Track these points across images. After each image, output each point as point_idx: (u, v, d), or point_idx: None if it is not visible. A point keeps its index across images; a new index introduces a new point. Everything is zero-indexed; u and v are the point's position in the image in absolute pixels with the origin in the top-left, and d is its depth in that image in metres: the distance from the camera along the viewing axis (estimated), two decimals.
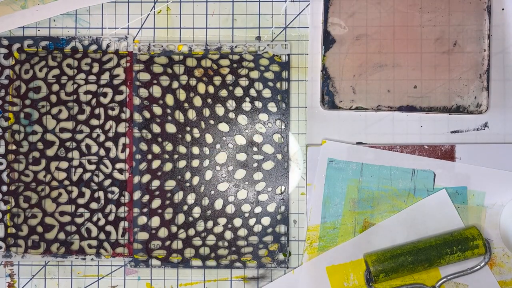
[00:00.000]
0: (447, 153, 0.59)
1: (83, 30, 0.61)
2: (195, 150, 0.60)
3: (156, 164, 0.60)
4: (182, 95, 0.60)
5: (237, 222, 0.60)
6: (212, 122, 0.60)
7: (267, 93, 0.60)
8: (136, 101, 0.60)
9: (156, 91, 0.60)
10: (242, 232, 0.60)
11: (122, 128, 0.60)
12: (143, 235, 0.60)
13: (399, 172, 0.59)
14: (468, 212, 0.59)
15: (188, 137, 0.60)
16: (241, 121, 0.60)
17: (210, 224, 0.60)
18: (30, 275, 0.61)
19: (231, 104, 0.60)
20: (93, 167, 0.60)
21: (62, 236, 0.60)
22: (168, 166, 0.60)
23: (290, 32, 0.60)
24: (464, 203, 0.59)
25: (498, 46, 0.59)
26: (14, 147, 0.60)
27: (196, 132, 0.60)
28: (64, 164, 0.60)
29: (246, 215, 0.60)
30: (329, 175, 0.59)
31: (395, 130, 0.60)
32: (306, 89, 0.60)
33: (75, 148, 0.60)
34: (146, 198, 0.60)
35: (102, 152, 0.60)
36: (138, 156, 0.60)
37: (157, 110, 0.60)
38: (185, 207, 0.60)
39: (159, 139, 0.60)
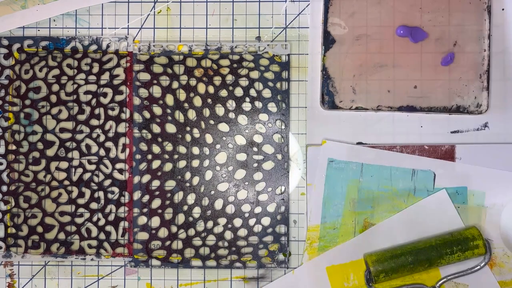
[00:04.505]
0: (447, 153, 0.59)
1: (83, 30, 0.61)
2: (195, 150, 0.60)
3: (156, 164, 0.60)
4: (182, 95, 0.60)
5: (237, 222, 0.60)
6: (212, 122, 0.60)
7: (267, 93, 0.60)
8: (136, 101, 0.60)
9: (156, 91, 0.60)
10: (242, 232, 0.60)
11: (122, 128, 0.60)
12: (143, 235, 0.60)
13: (399, 172, 0.59)
14: (468, 212, 0.59)
15: (188, 137, 0.60)
16: (241, 121, 0.60)
17: (210, 224, 0.60)
18: (30, 275, 0.61)
19: (231, 104, 0.60)
20: (93, 167, 0.60)
21: (62, 236, 0.60)
22: (168, 166, 0.60)
23: (290, 32, 0.60)
24: (464, 203, 0.59)
25: (498, 46, 0.59)
26: (14, 147, 0.60)
27: (196, 132, 0.60)
28: (64, 164, 0.60)
29: (246, 215, 0.60)
30: (329, 175, 0.59)
31: (395, 130, 0.60)
32: (306, 89, 0.60)
33: (75, 148, 0.60)
34: (146, 198, 0.60)
35: (102, 152, 0.60)
36: (138, 156, 0.60)
37: (157, 110, 0.60)
38: (185, 207, 0.60)
39: (159, 139, 0.60)
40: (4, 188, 0.60)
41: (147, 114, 0.60)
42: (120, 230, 0.60)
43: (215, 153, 0.60)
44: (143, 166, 0.60)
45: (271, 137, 0.60)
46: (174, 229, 0.60)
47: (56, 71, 0.60)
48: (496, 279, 0.58)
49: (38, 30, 0.61)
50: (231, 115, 0.60)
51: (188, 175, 0.60)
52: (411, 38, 0.58)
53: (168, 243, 0.60)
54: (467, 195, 0.59)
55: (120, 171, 0.60)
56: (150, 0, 0.61)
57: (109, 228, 0.60)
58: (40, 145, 0.60)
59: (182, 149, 0.60)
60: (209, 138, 0.60)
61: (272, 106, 0.60)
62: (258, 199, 0.60)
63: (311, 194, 0.59)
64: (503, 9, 0.59)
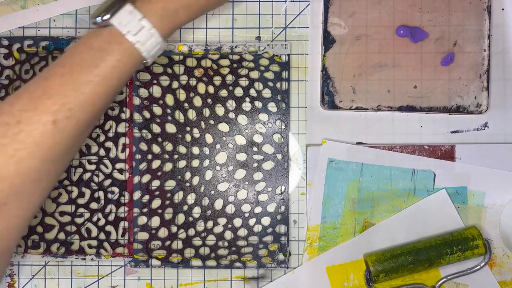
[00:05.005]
0: (447, 153, 0.59)
1: (83, 30, 0.61)
2: (195, 150, 0.60)
3: (156, 164, 0.60)
4: (182, 95, 0.60)
5: (237, 222, 0.60)
6: (212, 122, 0.60)
7: (267, 93, 0.60)
8: (136, 101, 0.60)
9: (156, 91, 0.60)
10: (242, 232, 0.60)
11: (122, 128, 0.60)
12: (143, 235, 0.60)
13: (399, 172, 0.59)
14: (468, 212, 0.59)
15: (188, 137, 0.60)
16: (241, 121, 0.60)
17: (210, 224, 0.60)
18: (30, 275, 0.61)
19: (231, 104, 0.60)
20: (93, 167, 0.60)
21: (62, 236, 0.60)
22: (168, 166, 0.60)
23: (290, 32, 0.60)
24: (464, 203, 0.59)
25: (498, 46, 0.59)
26: None
27: (196, 132, 0.60)
28: None
29: (246, 215, 0.60)
30: (329, 175, 0.59)
31: (395, 130, 0.60)
32: (306, 89, 0.60)
33: None
34: (146, 198, 0.60)
35: (102, 152, 0.60)
36: (138, 156, 0.60)
37: (157, 110, 0.60)
38: (185, 207, 0.60)
39: (159, 139, 0.60)
40: None
41: (147, 114, 0.60)
42: (120, 230, 0.60)
43: (215, 153, 0.60)
44: (143, 166, 0.60)
45: (271, 137, 0.60)
46: (174, 229, 0.60)
47: None
48: (496, 279, 0.58)
49: (38, 30, 0.61)
50: (231, 115, 0.60)
51: (188, 175, 0.60)
52: (411, 38, 0.58)
53: (168, 243, 0.60)
54: (467, 195, 0.59)
55: (120, 171, 0.60)
56: None
57: (109, 228, 0.60)
58: None
59: (182, 149, 0.60)
60: (209, 138, 0.60)
61: (272, 106, 0.60)
62: (258, 199, 0.60)
63: (311, 194, 0.59)
64: (503, 9, 0.59)
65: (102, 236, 0.60)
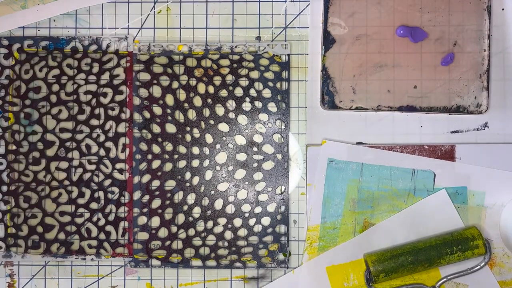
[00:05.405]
0: (447, 153, 0.59)
1: (83, 30, 0.61)
2: (195, 150, 0.60)
3: (156, 164, 0.60)
4: (182, 95, 0.60)
5: (237, 222, 0.60)
6: (212, 122, 0.60)
7: (267, 93, 0.60)
8: (136, 101, 0.60)
9: (156, 91, 0.60)
10: (242, 232, 0.60)
11: (122, 128, 0.60)
12: (143, 235, 0.60)
13: (399, 172, 0.59)
14: (468, 212, 0.59)
15: (188, 137, 0.60)
16: (241, 121, 0.60)
17: (210, 224, 0.60)
18: (30, 275, 0.61)
19: (231, 104, 0.60)
20: (93, 167, 0.60)
21: (62, 236, 0.60)
22: (168, 166, 0.60)
23: (290, 32, 0.60)
24: (464, 203, 0.59)
25: (498, 46, 0.59)
26: (14, 147, 0.60)
27: (196, 132, 0.60)
28: (64, 164, 0.60)
29: (246, 215, 0.60)
30: (329, 175, 0.59)
31: (395, 130, 0.60)
32: (306, 89, 0.60)
33: (75, 148, 0.60)
34: (146, 198, 0.60)
35: (102, 152, 0.60)
36: (138, 156, 0.60)
37: (157, 110, 0.60)
38: (185, 207, 0.60)
39: (159, 139, 0.60)
40: (4, 188, 0.60)
41: (147, 114, 0.60)
42: (120, 230, 0.60)
43: (215, 153, 0.60)
44: (143, 166, 0.60)
45: (271, 137, 0.60)
46: (174, 229, 0.60)
47: (56, 71, 0.60)
48: (496, 279, 0.58)
49: (38, 30, 0.61)
50: (231, 115, 0.60)
51: (188, 175, 0.60)
52: (411, 38, 0.58)
53: (168, 243, 0.60)
54: (467, 195, 0.59)
55: (120, 171, 0.60)
56: (150, 0, 0.61)
57: (109, 228, 0.60)
58: (40, 145, 0.60)
59: (182, 149, 0.60)
60: (209, 138, 0.60)
61: (272, 106, 0.60)
62: (258, 199, 0.60)
63: (311, 194, 0.59)
64: (503, 9, 0.59)
65: (102, 236, 0.60)
